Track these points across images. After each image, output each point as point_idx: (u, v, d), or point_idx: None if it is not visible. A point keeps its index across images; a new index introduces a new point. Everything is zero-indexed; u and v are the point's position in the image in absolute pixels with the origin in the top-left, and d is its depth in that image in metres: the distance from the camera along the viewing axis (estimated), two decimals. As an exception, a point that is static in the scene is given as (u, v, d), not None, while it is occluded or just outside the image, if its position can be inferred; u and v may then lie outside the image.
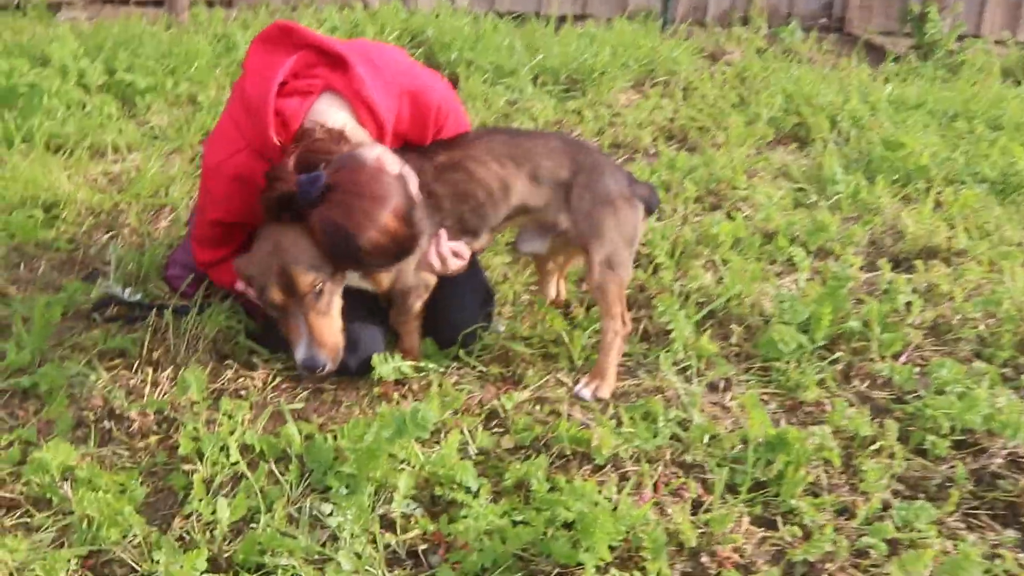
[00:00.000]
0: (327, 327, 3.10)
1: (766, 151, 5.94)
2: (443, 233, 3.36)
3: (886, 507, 2.95)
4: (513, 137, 3.55)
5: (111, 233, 4.38)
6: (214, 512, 2.66)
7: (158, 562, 2.55)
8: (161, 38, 6.49)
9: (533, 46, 7.14)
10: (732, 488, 2.98)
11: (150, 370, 3.41)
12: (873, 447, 3.19)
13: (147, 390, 3.29)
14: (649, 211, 3.62)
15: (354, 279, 3.29)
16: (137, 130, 5.45)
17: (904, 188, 5.35)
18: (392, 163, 3.09)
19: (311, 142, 3.05)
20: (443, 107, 3.45)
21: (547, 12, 8.32)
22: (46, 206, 4.51)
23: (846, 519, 2.89)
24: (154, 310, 3.63)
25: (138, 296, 3.85)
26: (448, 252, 3.35)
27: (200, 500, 2.70)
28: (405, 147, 3.38)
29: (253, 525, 2.71)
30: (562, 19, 8.12)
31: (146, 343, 3.51)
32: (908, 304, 4.02)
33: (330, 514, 2.71)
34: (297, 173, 2.96)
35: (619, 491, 2.88)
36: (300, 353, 3.08)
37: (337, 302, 3.16)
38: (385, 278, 3.37)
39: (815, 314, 3.74)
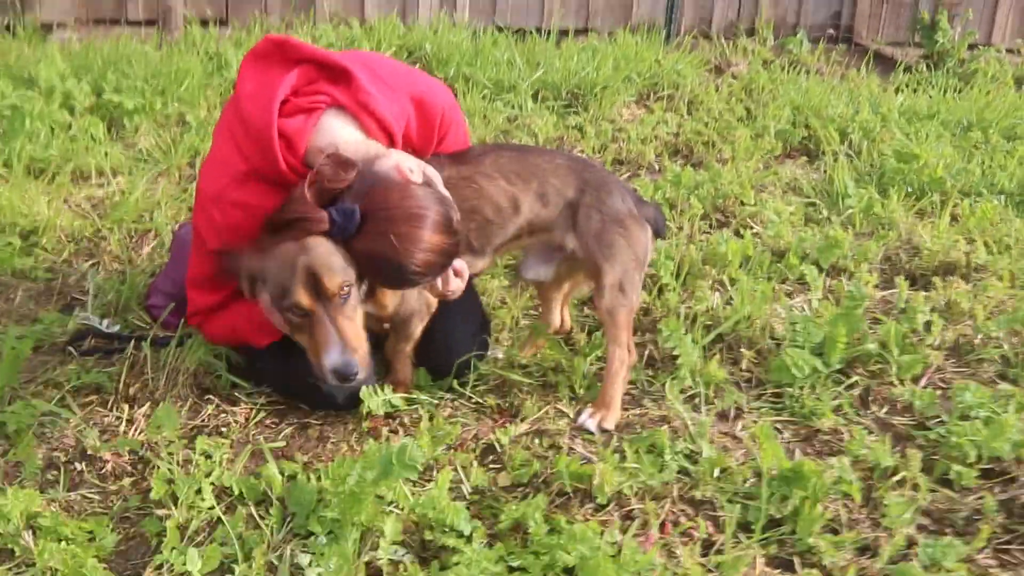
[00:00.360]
0: (357, 333, 2.88)
1: (775, 165, 5.75)
2: None
3: (911, 544, 2.75)
4: (520, 153, 3.41)
5: (92, 261, 4.20)
6: (185, 564, 2.46)
7: (124, 619, 2.37)
8: (151, 57, 6.32)
9: (533, 61, 6.96)
10: (745, 526, 2.78)
11: (126, 407, 3.22)
12: (895, 478, 2.99)
13: (122, 428, 3.11)
14: (657, 234, 3.45)
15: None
16: (123, 153, 5.27)
17: (918, 202, 5.15)
18: (414, 166, 2.91)
19: (318, 176, 2.85)
20: (447, 112, 3.28)
21: (548, 26, 8.14)
22: (24, 234, 4.33)
23: (869, 558, 2.69)
24: (132, 342, 3.45)
25: (116, 327, 3.67)
26: (450, 272, 3.18)
27: (172, 549, 2.50)
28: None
29: (228, 576, 2.52)
30: (564, 33, 7.93)
31: (123, 378, 3.33)
32: (927, 324, 3.81)
33: (309, 564, 2.51)
34: (318, 206, 2.80)
35: (623, 532, 2.68)
36: (333, 358, 2.80)
37: (361, 309, 2.95)
38: (391, 301, 3.18)
39: (829, 336, 3.55)
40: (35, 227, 4.36)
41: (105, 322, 3.67)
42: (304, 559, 2.52)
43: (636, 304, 3.35)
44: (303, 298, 2.77)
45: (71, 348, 3.54)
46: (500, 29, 7.78)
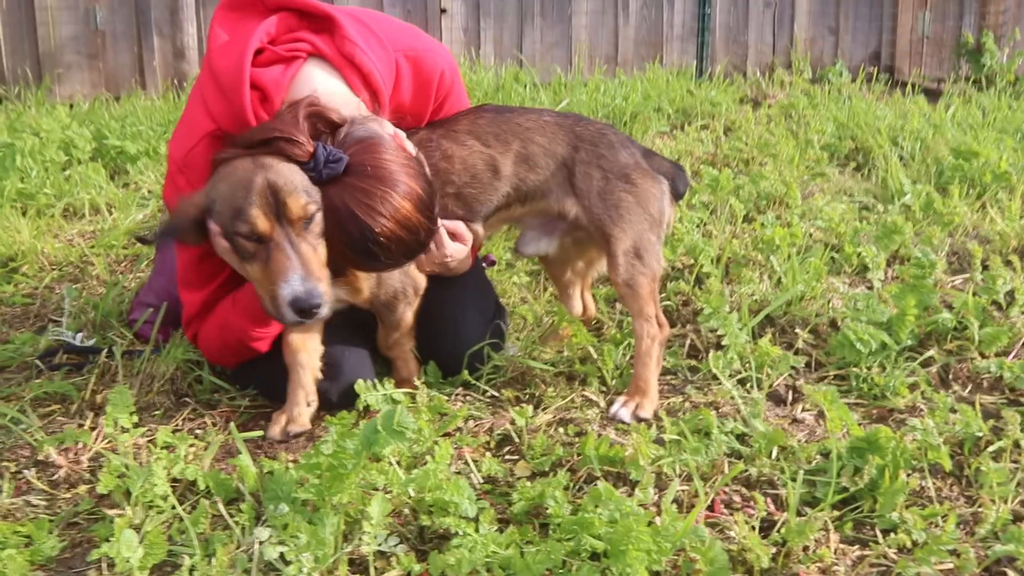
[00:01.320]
0: (321, 263, 2.47)
1: (823, 168, 5.29)
2: None
3: (1017, 518, 2.24)
4: (500, 113, 2.96)
5: (77, 286, 3.82)
6: (121, 552, 2.00)
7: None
8: (158, 107, 6.06)
9: (559, 96, 6.61)
10: (812, 504, 2.29)
11: (91, 415, 2.81)
12: (989, 450, 2.48)
13: (85, 437, 2.68)
14: (676, 194, 2.99)
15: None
16: (121, 191, 4.94)
17: (980, 198, 4.67)
18: (408, 143, 2.56)
19: (315, 102, 2.50)
20: (446, 74, 2.90)
21: (574, 66, 7.85)
22: (3, 261, 3.98)
23: (966, 534, 2.19)
24: (103, 352, 3.06)
25: (91, 342, 3.27)
26: (443, 232, 2.77)
27: (107, 541, 2.04)
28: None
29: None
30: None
31: (90, 386, 2.93)
32: (1010, 294, 3.32)
33: (281, 557, 2.05)
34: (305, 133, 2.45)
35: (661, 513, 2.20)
36: (294, 286, 2.39)
37: (323, 245, 2.52)
38: (365, 283, 2.76)
39: (900, 309, 3.06)
40: (16, 253, 4.01)
41: (79, 336, 3.28)
42: (272, 552, 2.05)
43: (659, 270, 2.89)
44: (260, 221, 2.37)
45: (38, 362, 3.14)
46: (521, 64, 7.48)
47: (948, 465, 2.37)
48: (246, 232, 2.39)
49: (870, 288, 3.59)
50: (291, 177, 2.39)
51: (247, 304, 2.71)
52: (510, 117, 2.94)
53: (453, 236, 2.81)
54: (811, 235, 4.11)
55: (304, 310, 2.39)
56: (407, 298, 2.84)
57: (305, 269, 2.38)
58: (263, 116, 2.58)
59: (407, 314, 2.86)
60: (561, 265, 3.21)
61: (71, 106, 6.64)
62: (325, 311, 2.43)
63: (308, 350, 2.77)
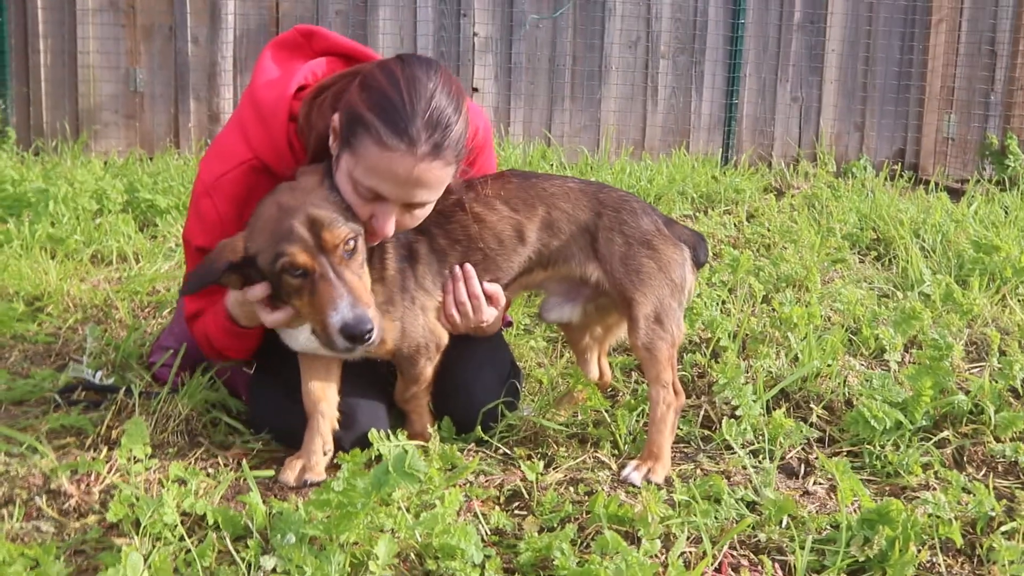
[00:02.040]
0: (367, 291, 2.51)
1: (844, 255, 5.30)
2: (471, 270, 2.81)
3: (1028, 599, 2.22)
4: (526, 179, 3.00)
5: (100, 327, 3.86)
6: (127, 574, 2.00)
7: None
8: (191, 165, 6.17)
9: (585, 174, 6.69)
10: (820, 571, 2.28)
11: (105, 448, 2.83)
12: (1002, 529, 2.47)
13: (99, 466, 2.69)
14: (697, 262, 3.02)
15: None
16: (148, 242, 5.01)
17: (999, 291, 4.67)
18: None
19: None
20: (480, 132, 2.96)
21: (601, 148, 7.96)
22: (29, 300, 4.04)
23: (977, 612, 2.17)
24: (122, 391, 3.09)
25: (110, 381, 3.30)
26: (481, 293, 2.80)
27: (112, 568, 2.04)
28: None
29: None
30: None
31: (106, 421, 2.95)
32: (1027, 382, 3.32)
33: (284, 588, 2.05)
34: None
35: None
36: (343, 312, 2.41)
37: (367, 275, 2.58)
38: (389, 335, 2.78)
39: (916, 390, 3.06)
40: (42, 294, 4.06)
41: (98, 374, 3.31)
42: (279, 584, 2.06)
43: (678, 337, 2.91)
44: (300, 254, 2.42)
45: (57, 396, 3.17)
46: (549, 143, 7.59)
47: (959, 541, 2.35)
48: (288, 266, 2.42)
49: (887, 370, 3.58)
50: (324, 209, 2.44)
51: (225, 324, 2.77)
52: (536, 183, 2.98)
53: (490, 299, 2.84)
54: (829, 317, 4.13)
55: (355, 336, 2.41)
56: (429, 353, 2.86)
57: (353, 296, 2.42)
58: (299, 148, 2.64)
59: (427, 369, 2.88)
60: (580, 331, 3.23)
61: (106, 162, 6.77)
62: (375, 336, 2.45)
63: (328, 399, 2.79)
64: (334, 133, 2.56)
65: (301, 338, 2.66)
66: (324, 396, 2.78)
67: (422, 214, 2.67)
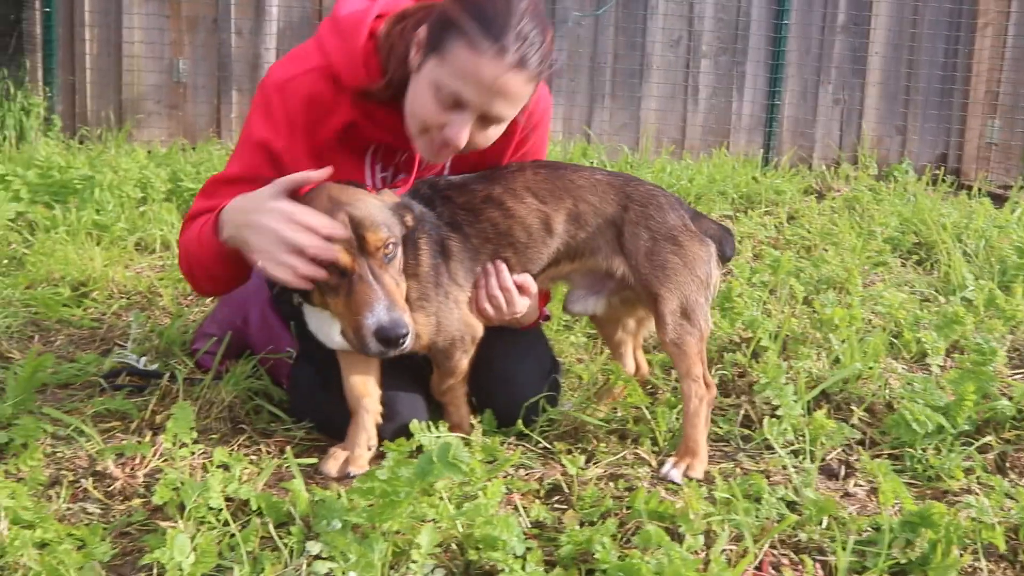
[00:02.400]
0: (403, 296, 2.55)
1: (886, 259, 5.27)
2: (502, 265, 2.82)
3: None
4: (554, 169, 2.99)
5: (144, 313, 3.91)
6: (173, 557, 2.03)
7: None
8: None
9: (624, 171, 6.67)
10: (861, 572, 2.27)
11: (149, 433, 2.86)
12: (1046, 536, 2.45)
13: (145, 450, 2.73)
14: (723, 256, 3.01)
15: None
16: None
17: (1045, 298, 4.63)
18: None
19: None
20: (542, 103, 3.01)
21: (641, 148, 7.95)
22: (75, 285, 4.09)
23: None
24: (166, 376, 3.13)
25: (154, 366, 3.34)
26: (512, 286, 2.81)
27: (158, 550, 2.07)
28: (449, 178, 2.93)
29: (229, 586, 2.09)
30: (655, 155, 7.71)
31: (150, 406, 2.99)
32: (1073, 389, 3.28)
33: (327, 574, 2.07)
34: None
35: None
36: (379, 315, 2.41)
37: (404, 281, 2.62)
38: (424, 328, 2.79)
39: (958, 394, 3.04)
40: (87, 279, 4.12)
41: (142, 360, 3.36)
42: (323, 568, 2.07)
43: (706, 331, 2.90)
44: (341, 253, 2.42)
45: (102, 380, 3.22)
46: (589, 140, 7.59)
47: (1003, 546, 2.34)
48: (328, 265, 2.44)
49: (928, 374, 3.57)
50: (370, 211, 2.46)
51: (204, 244, 2.69)
52: (564, 174, 2.97)
53: (521, 290, 2.84)
54: (870, 320, 4.11)
55: (390, 339, 2.42)
56: (464, 346, 2.86)
57: (389, 299, 2.43)
58: (373, 65, 2.67)
59: (463, 361, 2.89)
60: (612, 324, 3.23)
61: (148, 151, 6.85)
62: (409, 342, 2.46)
63: (371, 394, 2.80)
64: (417, 47, 2.62)
65: (336, 337, 2.66)
66: (366, 391, 2.80)
67: (494, 134, 2.71)
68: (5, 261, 4.36)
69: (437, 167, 3.04)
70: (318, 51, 2.75)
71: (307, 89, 2.70)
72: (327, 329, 2.69)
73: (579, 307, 3.09)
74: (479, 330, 2.89)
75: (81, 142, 7.18)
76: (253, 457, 2.78)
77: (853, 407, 3.21)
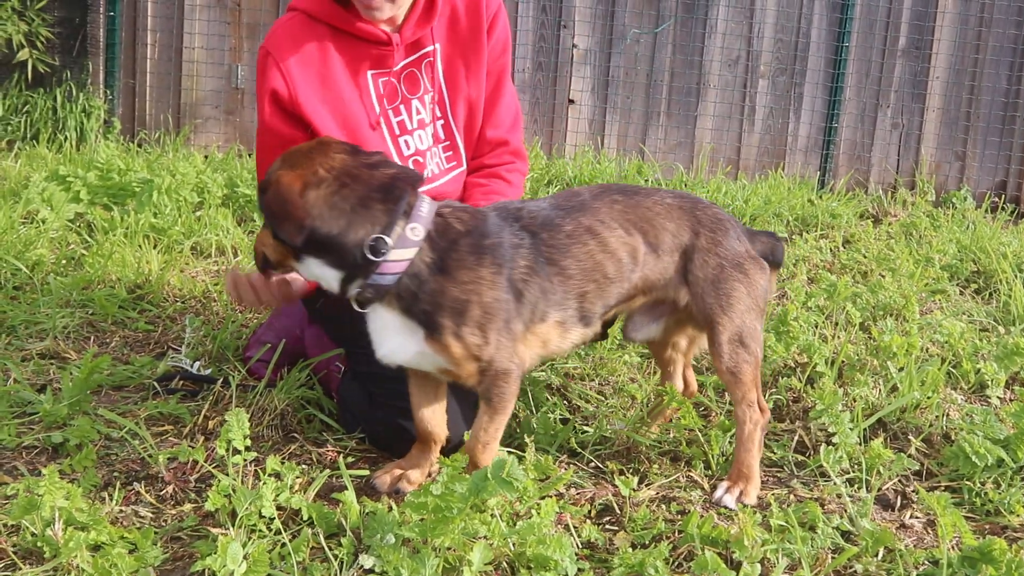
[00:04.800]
0: None
1: (944, 286, 5.18)
2: None
3: None
4: (629, 196, 2.86)
5: (199, 318, 3.94)
6: (226, 564, 2.03)
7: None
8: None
9: (680, 189, 6.63)
10: (919, 608, 2.23)
11: (202, 438, 2.88)
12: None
13: (198, 454, 2.73)
14: (775, 264, 2.98)
15: (427, 359, 2.57)
16: (246, 237, 5.09)
17: (1109, 333, 4.53)
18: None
19: None
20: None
21: (696, 166, 7.91)
22: (131, 287, 4.12)
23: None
24: (219, 382, 3.14)
25: (208, 371, 3.36)
26: None
27: (210, 556, 2.07)
28: (527, 207, 2.76)
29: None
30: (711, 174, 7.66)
31: (203, 411, 3.00)
32: None
33: (379, 586, 2.06)
34: None
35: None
36: None
37: None
38: (469, 363, 2.55)
39: (1019, 428, 2.98)
40: (143, 281, 4.15)
41: (196, 364, 3.38)
42: (372, 580, 2.07)
43: (760, 356, 2.85)
44: None
45: (156, 384, 3.24)
46: (643, 157, 7.56)
47: (1065, 585, 2.29)
48: None
49: (987, 405, 3.50)
50: None
51: None
52: (639, 201, 2.85)
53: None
54: (927, 348, 4.04)
55: None
56: (515, 379, 2.61)
57: None
58: None
59: (512, 400, 2.63)
60: (663, 345, 3.16)
61: (206, 156, 6.91)
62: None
63: (439, 423, 2.76)
64: None
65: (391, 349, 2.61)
66: (435, 422, 2.75)
67: None
68: (64, 261, 4.40)
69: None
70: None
71: (284, 30, 2.94)
72: (382, 339, 2.63)
73: (641, 335, 3.00)
74: (531, 364, 2.72)
75: (140, 145, 7.26)
76: (304, 466, 2.78)
77: (911, 437, 3.16)
